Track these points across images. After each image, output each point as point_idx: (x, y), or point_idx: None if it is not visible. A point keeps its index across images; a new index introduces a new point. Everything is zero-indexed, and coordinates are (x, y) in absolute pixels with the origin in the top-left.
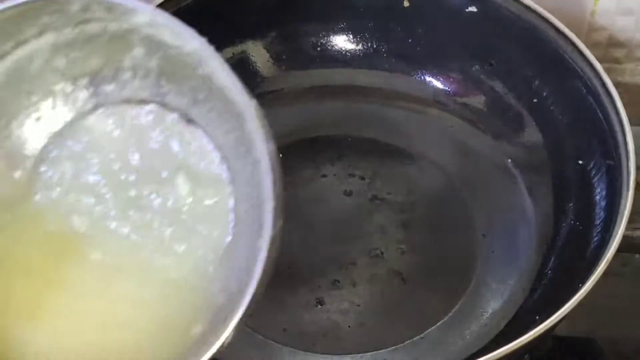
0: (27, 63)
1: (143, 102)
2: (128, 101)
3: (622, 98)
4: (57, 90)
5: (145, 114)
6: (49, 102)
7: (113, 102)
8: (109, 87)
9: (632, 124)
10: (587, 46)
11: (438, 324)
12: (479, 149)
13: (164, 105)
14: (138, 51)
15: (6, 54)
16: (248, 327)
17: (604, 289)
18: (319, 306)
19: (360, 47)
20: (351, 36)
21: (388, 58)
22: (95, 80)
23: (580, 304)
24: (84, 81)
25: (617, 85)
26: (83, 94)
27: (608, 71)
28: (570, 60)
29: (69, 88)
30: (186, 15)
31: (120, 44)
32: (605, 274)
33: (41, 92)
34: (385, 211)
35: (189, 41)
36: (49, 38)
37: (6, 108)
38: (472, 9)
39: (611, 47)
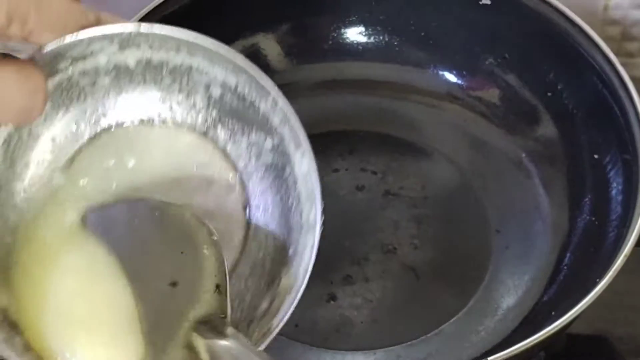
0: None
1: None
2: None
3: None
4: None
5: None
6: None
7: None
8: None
9: None
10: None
11: (452, 320)
12: (493, 143)
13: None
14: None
15: None
16: None
17: (619, 286)
18: (332, 302)
19: (372, 40)
20: (363, 29)
21: (400, 51)
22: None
23: (596, 301)
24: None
25: (630, 79)
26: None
27: (621, 65)
28: (585, 53)
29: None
30: (198, 8)
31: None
32: (621, 270)
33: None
34: (398, 206)
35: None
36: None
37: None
38: (486, 1)
39: (625, 41)
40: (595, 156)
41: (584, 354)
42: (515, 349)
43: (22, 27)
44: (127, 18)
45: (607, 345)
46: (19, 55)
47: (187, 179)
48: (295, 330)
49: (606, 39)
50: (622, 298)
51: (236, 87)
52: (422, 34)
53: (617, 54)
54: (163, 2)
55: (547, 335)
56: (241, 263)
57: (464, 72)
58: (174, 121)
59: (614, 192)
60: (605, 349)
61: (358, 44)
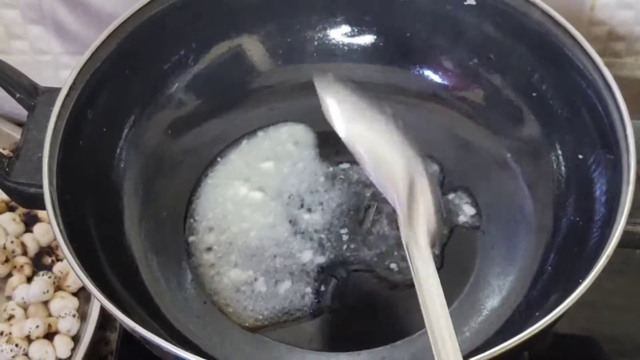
0: None
1: None
2: None
3: (622, 92)
4: None
5: None
6: None
7: None
8: None
9: (632, 118)
10: (587, 40)
11: None
12: (478, 143)
13: None
14: None
15: None
16: (245, 325)
17: (604, 286)
18: (317, 303)
19: (357, 41)
20: (348, 30)
21: (386, 52)
22: None
23: (580, 301)
24: None
25: (616, 79)
26: None
27: (608, 65)
28: (570, 54)
29: None
30: (182, 8)
31: None
32: (606, 270)
33: None
34: (384, 206)
35: None
36: None
37: None
38: (471, 2)
39: (611, 41)
40: (580, 156)
41: (569, 354)
42: (498, 350)
43: None
44: (111, 19)
45: (593, 345)
46: None
47: None
48: (279, 332)
49: (592, 39)
50: (607, 298)
51: None
52: (408, 34)
53: (603, 54)
54: (148, 3)
55: (531, 335)
56: None
57: (449, 73)
58: None
59: (597, 192)
60: (591, 349)
61: (343, 44)
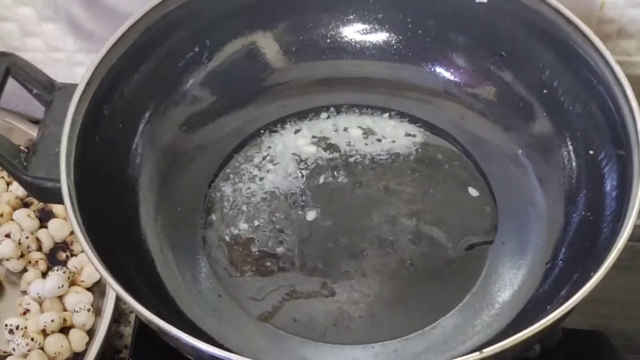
0: None
1: None
2: None
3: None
4: None
5: None
6: None
7: None
8: None
9: None
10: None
11: (448, 314)
12: (490, 140)
13: None
14: None
15: None
16: (258, 317)
17: (615, 282)
18: (330, 297)
19: (370, 38)
20: (361, 28)
21: (398, 49)
22: None
23: (590, 296)
24: None
25: (626, 77)
26: None
27: (617, 63)
28: (581, 51)
29: None
30: (196, 5)
31: None
32: (616, 267)
33: None
34: (396, 202)
35: None
36: None
37: None
38: (482, 0)
39: (621, 39)
40: (590, 152)
41: (579, 348)
42: (510, 342)
43: None
44: (125, 17)
45: (603, 340)
46: None
47: None
48: (294, 325)
49: (602, 37)
50: (617, 294)
51: None
52: (420, 32)
53: (613, 52)
54: (163, 1)
55: (541, 328)
56: None
57: (461, 70)
58: None
59: (608, 187)
60: (601, 344)
61: (356, 42)
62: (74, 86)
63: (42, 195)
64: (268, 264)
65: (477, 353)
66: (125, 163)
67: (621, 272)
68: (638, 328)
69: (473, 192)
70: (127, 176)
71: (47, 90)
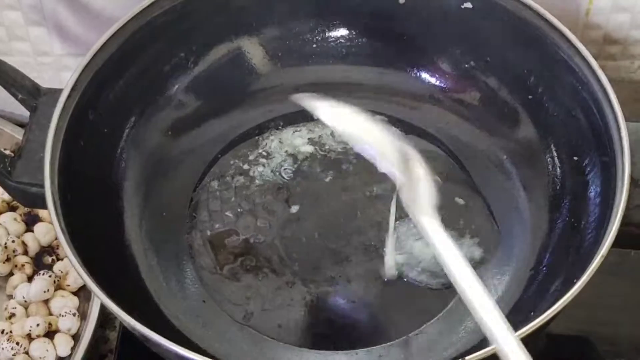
0: None
1: None
2: None
3: (617, 95)
4: None
5: None
6: None
7: None
8: None
9: (627, 120)
10: (583, 44)
11: (432, 320)
12: (474, 145)
13: None
14: None
15: None
16: (243, 322)
17: (600, 287)
18: (314, 302)
19: (355, 43)
20: (347, 33)
21: (383, 54)
22: None
23: (575, 302)
24: None
25: (612, 82)
26: None
27: (603, 68)
28: (565, 57)
29: None
30: (182, 10)
31: None
32: (600, 271)
33: None
34: (381, 207)
35: None
36: None
37: None
38: (468, 5)
39: (606, 45)
40: (575, 158)
41: (564, 354)
42: (493, 349)
43: None
44: (112, 21)
45: (588, 346)
46: None
47: None
48: (278, 330)
49: (588, 42)
50: (603, 299)
51: None
52: (405, 37)
53: (598, 57)
54: (148, 6)
55: (525, 334)
56: None
57: (446, 75)
58: None
59: (592, 193)
60: (586, 349)
61: (342, 47)
62: (59, 91)
63: (27, 200)
64: (252, 267)
65: None
66: (110, 168)
67: (607, 276)
68: (624, 333)
69: (458, 199)
70: (111, 181)
71: (32, 95)
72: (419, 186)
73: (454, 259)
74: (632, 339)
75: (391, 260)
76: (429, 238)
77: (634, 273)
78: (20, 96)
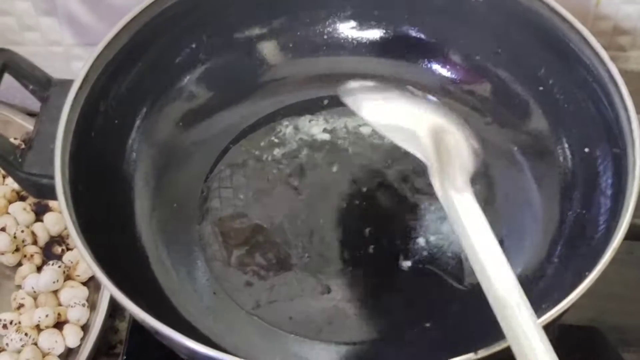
0: None
1: None
2: None
3: (627, 86)
4: None
5: None
6: None
7: None
8: None
9: (638, 111)
10: (592, 35)
11: (452, 310)
12: (485, 137)
13: None
14: None
15: None
16: (254, 314)
17: (610, 277)
18: (326, 294)
19: (366, 34)
20: (358, 24)
21: (394, 46)
22: None
23: (586, 292)
24: None
25: (622, 73)
26: None
27: (613, 59)
28: (576, 48)
29: None
30: (195, 1)
31: None
32: (612, 261)
33: None
34: (392, 199)
35: None
36: None
37: None
38: None
39: (616, 36)
40: (586, 150)
41: (574, 344)
42: (505, 343)
43: None
44: (123, 11)
45: (597, 335)
46: None
47: None
48: (289, 322)
49: (598, 33)
50: (613, 288)
51: None
52: (416, 28)
53: (608, 48)
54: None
55: None
56: None
57: (457, 67)
58: None
59: (603, 185)
60: (596, 338)
61: (352, 38)
62: (70, 82)
63: (38, 191)
64: (263, 259)
65: (472, 354)
66: (121, 159)
67: (617, 266)
68: (634, 322)
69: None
70: (122, 172)
71: (43, 86)
72: (449, 160)
73: (488, 243)
74: None
75: None
76: (457, 218)
77: None
78: (31, 87)
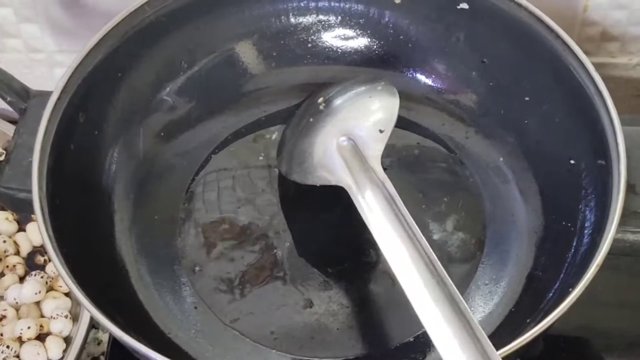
0: None
1: None
2: None
3: (615, 92)
4: None
5: None
6: None
7: None
8: None
9: (624, 117)
10: (580, 41)
11: None
12: (470, 147)
13: None
14: None
15: None
16: (235, 329)
17: (596, 283)
18: (308, 308)
19: (351, 43)
20: (342, 32)
21: (378, 55)
22: None
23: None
24: None
25: (610, 79)
26: None
27: (601, 65)
28: (562, 59)
29: None
30: (177, 10)
31: None
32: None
33: None
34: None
35: None
36: None
37: None
38: (464, 5)
39: (604, 42)
40: (572, 162)
41: (559, 351)
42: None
43: None
44: (105, 17)
45: (583, 342)
46: None
47: None
48: (270, 338)
49: (586, 40)
50: (600, 294)
51: None
52: (401, 37)
53: (596, 55)
54: (141, 5)
55: (522, 344)
56: None
57: (442, 76)
58: None
59: (588, 198)
60: (581, 345)
61: (337, 47)
62: (49, 94)
63: (15, 206)
64: (246, 272)
65: None
66: (100, 172)
67: (603, 272)
68: (621, 327)
69: (452, 201)
70: (102, 185)
71: (21, 97)
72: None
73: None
74: (629, 334)
75: None
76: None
77: (630, 269)
78: (9, 99)
